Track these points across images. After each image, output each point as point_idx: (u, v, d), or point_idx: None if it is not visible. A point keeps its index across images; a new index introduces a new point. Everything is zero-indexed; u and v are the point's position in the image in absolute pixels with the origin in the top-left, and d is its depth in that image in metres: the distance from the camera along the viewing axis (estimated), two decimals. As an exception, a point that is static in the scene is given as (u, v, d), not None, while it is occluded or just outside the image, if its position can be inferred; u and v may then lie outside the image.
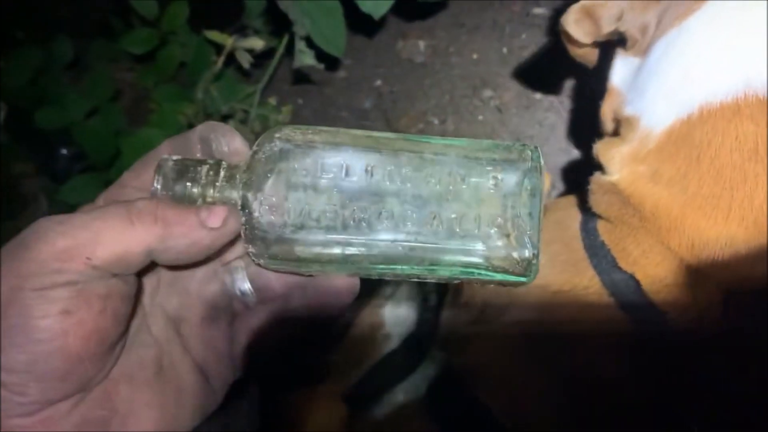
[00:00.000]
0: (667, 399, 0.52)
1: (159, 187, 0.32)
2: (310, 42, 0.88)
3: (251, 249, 0.32)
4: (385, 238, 0.31)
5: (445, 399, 0.63)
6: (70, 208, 0.95)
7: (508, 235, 0.31)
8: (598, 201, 0.57)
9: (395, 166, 0.31)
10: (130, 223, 0.29)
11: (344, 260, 0.32)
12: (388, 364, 0.81)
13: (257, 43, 0.92)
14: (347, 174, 0.31)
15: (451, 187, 0.31)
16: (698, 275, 0.51)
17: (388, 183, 0.31)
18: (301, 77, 1.03)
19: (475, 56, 1.02)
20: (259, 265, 0.33)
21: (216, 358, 0.34)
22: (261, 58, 0.99)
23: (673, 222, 0.50)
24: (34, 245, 0.28)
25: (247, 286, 0.35)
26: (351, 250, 0.31)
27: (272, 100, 1.00)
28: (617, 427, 0.52)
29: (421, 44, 1.04)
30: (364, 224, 0.31)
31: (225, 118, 0.99)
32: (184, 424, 0.33)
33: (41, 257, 0.28)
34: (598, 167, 0.58)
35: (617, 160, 0.54)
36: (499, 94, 0.99)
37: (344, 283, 0.34)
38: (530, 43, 0.98)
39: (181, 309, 0.34)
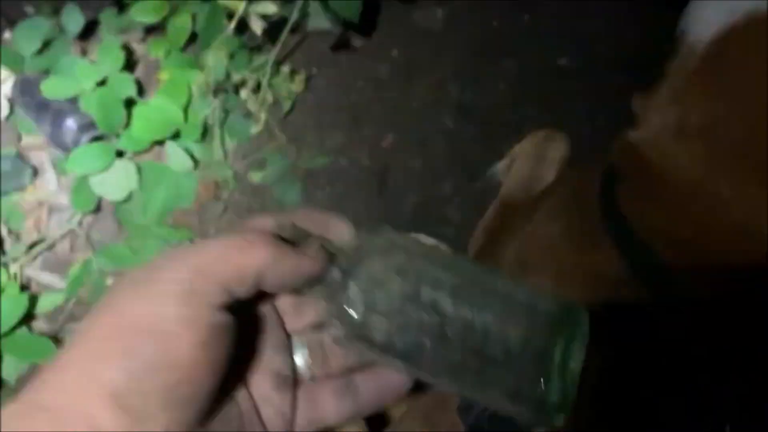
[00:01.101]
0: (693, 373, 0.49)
1: None
2: (325, 5, 0.85)
3: (335, 328, 0.34)
4: (442, 355, 0.33)
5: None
6: (80, 178, 0.93)
7: (542, 394, 0.33)
8: (621, 162, 0.53)
9: (468, 298, 0.34)
10: (249, 243, 0.31)
11: (403, 359, 0.34)
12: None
13: (270, 8, 0.89)
14: (430, 287, 0.33)
15: (504, 337, 0.33)
16: (721, 242, 0.47)
17: (458, 308, 0.33)
18: (315, 45, 1.00)
19: (494, 24, 0.98)
20: (334, 337, 0.36)
21: (282, 423, 0.36)
22: (274, 26, 0.96)
23: (696, 185, 0.47)
24: (171, 267, 0.30)
25: (302, 360, 0.38)
26: (411, 355, 0.33)
27: (285, 69, 0.96)
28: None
29: (439, 12, 1.01)
30: (428, 337, 0.33)
31: (237, 87, 0.96)
32: None
33: (181, 276, 0.29)
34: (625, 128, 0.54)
35: (651, 113, 0.50)
36: (520, 61, 0.95)
37: (399, 379, 0.36)
38: (551, 9, 0.94)
39: (252, 376, 0.36)
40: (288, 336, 0.38)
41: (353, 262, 0.34)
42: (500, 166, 0.81)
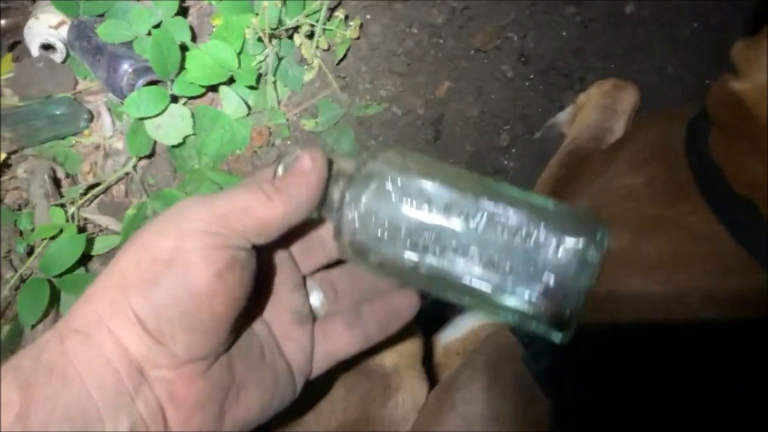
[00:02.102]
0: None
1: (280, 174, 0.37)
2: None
3: (337, 245, 0.37)
4: (447, 268, 0.34)
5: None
6: (136, 121, 0.93)
7: (554, 296, 0.33)
8: (718, 110, 0.50)
9: (472, 210, 0.34)
10: (268, 198, 0.34)
11: (410, 276, 0.36)
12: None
13: (326, -50, 0.87)
14: (430, 205, 0.34)
15: (514, 241, 0.33)
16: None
17: (462, 222, 0.34)
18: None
19: (557, -31, 0.94)
20: (342, 259, 0.39)
21: (303, 356, 0.39)
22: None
23: None
24: (197, 209, 0.32)
25: (319, 299, 0.41)
26: (418, 270, 0.35)
27: (339, 14, 0.94)
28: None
29: (499, -44, 0.97)
30: (433, 253, 0.34)
31: (291, 32, 0.95)
32: (271, 410, 0.38)
33: (205, 218, 0.32)
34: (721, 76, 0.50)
35: (757, 63, 0.47)
36: (584, 9, 0.91)
37: (407, 301, 0.40)
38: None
39: (272, 313, 0.39)
40: (303, 278, 0.41)
41: (353, 181, 0.35)
42: (562, 116, 0.79)
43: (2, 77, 1.03)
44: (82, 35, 1.04)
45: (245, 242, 0.33)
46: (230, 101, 0.93)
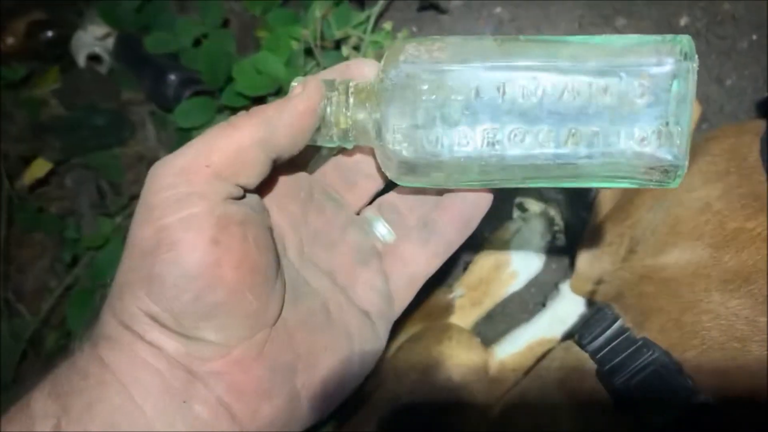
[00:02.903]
0: None
1: None
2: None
3: (387, 173, 0.33)
4: (520, 158, 0.30)
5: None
6: (181, 132, 0.93)
7: (653, 146, 0.29)
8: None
9: (529, 81, 0.29)
10: (232, 126, 0.29)
11: (480, 179, 0.31)
12: (514, 305, 0.76)
13: (377, -38, 0.87)
14: (477, 94, 0.30)
15: (592, 101, 0.29)
16: None
17: (521, 100, 0.29)
18: (420, 3, 0.97)
19: (607, -19, 0.93)
20: (395, 183, 0.33)
21: (378, 297, 0.35)
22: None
23: None
24: (156, 179, 0.28)
25: (384, 228, 0.36)
26: (486, 172, 0.31)
27: (387, 26, 0.94)
28: None
29: (546, -32, 0.96)
30: (497, 146, 0.30)
31: (338, 44, 0.95)
32: (355, 369, 0.33)
33: (169, 181, 0.28)
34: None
35: None
36: (635, 22, 0.90)
37: (478, 194, 0.34)
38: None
39: (331, 261, 0.34)
40: (359, 213, 0.37)
41: (381, 98, 0.31)
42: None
43: (49, 88, 1.04)
44: (128, 46, 1.05)
45: (229, 189, 0.29)
46: (277, 112, 0.93)
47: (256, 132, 0.29)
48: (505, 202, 0.80)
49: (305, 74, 0.94)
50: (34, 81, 1.05)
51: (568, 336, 0.70)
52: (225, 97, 0.92)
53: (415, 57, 0.30)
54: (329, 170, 0.37)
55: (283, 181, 0.34)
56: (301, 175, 0.35)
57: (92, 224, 0.92)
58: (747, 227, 0.49)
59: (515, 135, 0.30)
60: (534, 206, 0.77)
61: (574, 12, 0.93)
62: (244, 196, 0.30)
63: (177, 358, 0.28)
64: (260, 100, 0.94)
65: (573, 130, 0.29)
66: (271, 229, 0.32)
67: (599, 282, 0.63)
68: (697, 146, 0.59)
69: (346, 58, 0.93)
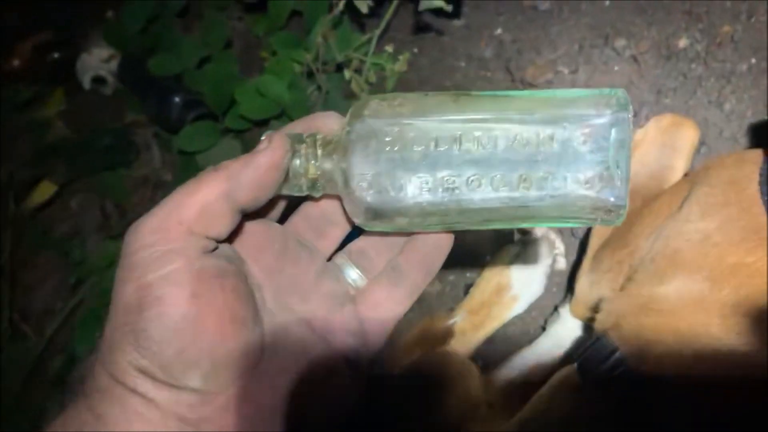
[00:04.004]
0: None
1: None
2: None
3: (355, 220, 0.35)
4: (477, 202, 0.33)
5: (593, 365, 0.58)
6: (185, 155, 0.94)
7: (596, 189, 0.32)
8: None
9: (483, 132, 0.32)
10: (198, 183, 0.30)
11: (439, 223, 0.34)
12: (514, 329, 0.76)
13: (378, -14, 0.88)
14: (436, 145, 0.32)
15: (540, 148, 0.32)
16: None
17: (477, 150, 0.32)
18: (421, 25, 0.98)
19: (606, 2, 0.94)
20: (363, 229, 0.36)
21: (354, 341, 0.36)
22: (377, 4, 0.94)
23: None
24: (134, 239, 0.30)
25: (356, 272, 0.37)
26: (446, 216, 0.33)
27: (389, 48, 0.95)
28: None
29: (547, -11, 0.97)
30: (456, 191, 0.32)
31: (340, 67, 0.95)
32: (337, 410, 0.35)
33: (148, 241, 0.29)
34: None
35: None
36: (635, 43, 0.90)
37: (440, 237, 0.36)
38: (672, -14, 0.89)
39: (307, 309, 0.36)
40: (329, 259, 0.38)
41: (348, 149, 0.33)
42: (619, 152, 0.77)
43: (55, 110, 1.05)
44: (132, 68, 1.06)
45: (203, 243, 0.30)
46: (280, 135, 0.93)
47: (221, 186, 0.30)
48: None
49: (307, 97, 0.95)
50: (40, 103, 1.06)
51: (566, 359, 0.70)
52: (228, 120, 0.93)
53: (379, 111, 0.33)
54: (299, 220, 0.38)
55: (258, 234, 0.35)
56: (275, 227, 0.37)
57: (97, 247, 0.92)
58: (747, 261, 0.50)
59: (472, 181, 0.32)
60: (535, 229, 0.78)
61: (574, 34, 0.94)
62: (217, 248, 0.32)
63: (168, 408, 0.29)
64: (263, 124, 0.95)
65: (524, 176, 0.32)
66: (247, 278, 0.33)
67: (598, 308, 0.63)
68: (696, 175, 0.59)
69: (349, 82, 0.94)
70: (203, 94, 0.97)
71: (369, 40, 0.95)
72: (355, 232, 0.38)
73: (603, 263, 0.64)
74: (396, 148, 0.33)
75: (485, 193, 0.32)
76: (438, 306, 0.81)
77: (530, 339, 0.75)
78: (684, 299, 0.53)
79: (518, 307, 0.75)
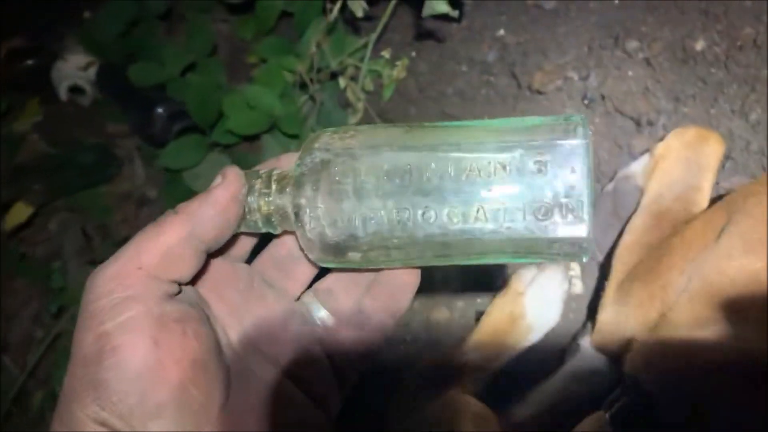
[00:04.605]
0: None
1: None
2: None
3: (309, 255, 0.34)
4: (431, 236, 0.31)
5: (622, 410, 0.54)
6: (171, 172, 0.88)
7: (554, 221, 0.30)
8: None
9: (435, 163, 0.31)
10: (159, 226, 0.31)
11: (396, 258, 0.33)
12: (530, 360, 0.71)
13: (374, -11, 0.81)
14: (388, 177, 0.32)
15: (493, 178, 0.31)
16: None
17: (428, 181, 0.31)
18: (420, 28, 0.92)
19: (616, 1, 0.88)
20: (320, 266, 0.35)
21: (323, 381, 0.36)
22: (373, 6, 0.88)
23: None
24: (92, 288, 0.29)
25: (323, 312, 0.37)
26: (399, 249, 0.32)
27: (386, 54, 0.89)
28: None
29: (552, -13, 0.91)
30: (409, 224, 0.31)
31: (334, 75, 0.89)
32: None
33: (107, 288, 0.29)
34: None
35: None
36: (647, 44, 0.85)
37: (406, 274, 0.35)
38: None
39: (275, 350, 0.35)
40: (298, 299, 0.38)
41: (299, 182, 0.33)
42: (637, 166, 0.72)
43: (30, 122, 0.99)
44: (111, 77, 1.00)
45: (164, 288, 0.30)
46: (272, 149, 0.87)
47: (182, 228, 0.30)
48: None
49: (300, 108, 0.89)
50: (13, 115, 0.99)
51: (586, 395, 0.66)
52: (216, 134, 0.87)
53: (329, 144, 0.33)
54: (266, 259, 0.38)
55: (222, 272, 0.35)
56: (240, 266, 0.36)
57: (78, 272, 0.86)
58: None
59: (423, 213, 0.31)
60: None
61: (582, 35, 0.88)
62: (180, 291, 0.32)
63: None
64: (253, 138, 0.89)
65: (478, 207, 0.31)
66: (209, 320, 0.33)
67: (625, 344, 0.58)
68: (733, 203, 0.54)
69: (344, 90, 0.88)
70: (188, 104, 0.90)
71: (365, 45, 0.89)
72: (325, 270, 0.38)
73: (632, 296, 0.59)
74: (347, 180, 0.32)
75: (438, 226, 0.31)
76: (447, 335, 0.76)
77: (546, 371, 0.70)
78: (727, 348, 0.48)
79: (533, 337, 0.70)
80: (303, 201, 0.32)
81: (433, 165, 0.31)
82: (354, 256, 0.33)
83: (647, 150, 0.75)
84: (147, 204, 0.96)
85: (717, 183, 0.69)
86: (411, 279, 0.36)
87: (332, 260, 0.34)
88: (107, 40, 0.99)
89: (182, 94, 0.92)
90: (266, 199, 0.33)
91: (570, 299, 0.73)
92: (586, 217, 0.30)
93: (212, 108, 0.85)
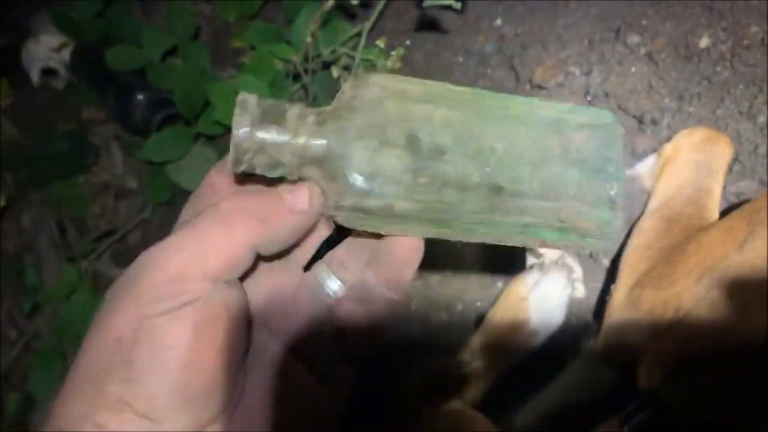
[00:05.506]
0: None
1: (239, 132, 0.30)
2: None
3: (337, 208, 0.31)
4: (481, 194, 0.30)
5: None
6: (154, 166, 0.84)
7: (588, 202, 0.31)
8: None
9: (483, 127, 0.31)
10: (228, 228, 0.29)
11: (428, 223, 0.31)
12: (530, 364, 0.69)
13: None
14: (436, 132, 0.30)
15: (536, 154, 0.31)
16: None
17: (473, 144, 0.30)
18: (415, 16, 0.88)
19: (618, -7, 0.86)
20: (336, 220, 0.32)
21: (333, 359, 0.35)
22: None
23: None
24: (146, 274, 0.28)
25: (336, 283, 0.35)
26: (435, 216, 0.30)
27: (380, 43, 0.85)
28: None
29: (551, -24, 0.88)
30: (450, 189, 0.30)
31: (327, 65, 0.85)
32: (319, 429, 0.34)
33: (158, 283, 0.28)
34: None
35: None
36: (649, 38, 0.83)
37: (409, 243, 0.33)
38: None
39: (284, 326, 0.34)
40: (307, 269, 0.36)
41: (342, 128, 0.29)
42: (643, 168, 0.71)
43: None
44: (87, 60, 0.94)
45: (219, 287, 0.29)
46: (261, 141, 0.83)
47: (253, 236, 0.29)
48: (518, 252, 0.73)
49: (291, 97, 0.85)
50: (-20, 99, 0.93)
51: (589, 403, 0.64)
52: (201, 124, 0.82)
53: (385, 84, 0.30)
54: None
55: None
56: None
57: (54, 269, 0.82)
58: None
59: (479, 171, 0.30)
60: (549, 252, 0.71)
61: (583, 27, 0.86)
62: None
63: None
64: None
65: (527, 177, 0.31)
66: (247, 309, 0.32)
67: (635, 353, 0.57)
68: (755, 213, 0.53)
69: (337, 80, 0.85)
70: (170, 91, 0.86)
71: (358, 34, 0.85)
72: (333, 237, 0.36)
73: (643, 302, 0.57)
74: (396, 128, 0.29)
75: (479, 194, 0.30)
76: (446, 339, 0.74)
77: (547, 375, 0.68)
78: (753, 359, 0.46)
79: (537, 342, 0.68)
80: (343, 139, 0.29)
81: (481, 129, 0.31)
82: (397, 209, 0.30)
83: (651, 150, 0.74)
84: (126, 195, 0.91)
85: (725, 187, 0.67)
86: (414, 244, 0.34)
87: (356, 209, 0.30)
88: (82, 20, 0.93)
89: (164, 80, 0.88)
90: (304, 132, 0.29)
91: (572, 303, 0.71)
92: (613, 203, 0.32)
93: (197, 96, 0.81)
